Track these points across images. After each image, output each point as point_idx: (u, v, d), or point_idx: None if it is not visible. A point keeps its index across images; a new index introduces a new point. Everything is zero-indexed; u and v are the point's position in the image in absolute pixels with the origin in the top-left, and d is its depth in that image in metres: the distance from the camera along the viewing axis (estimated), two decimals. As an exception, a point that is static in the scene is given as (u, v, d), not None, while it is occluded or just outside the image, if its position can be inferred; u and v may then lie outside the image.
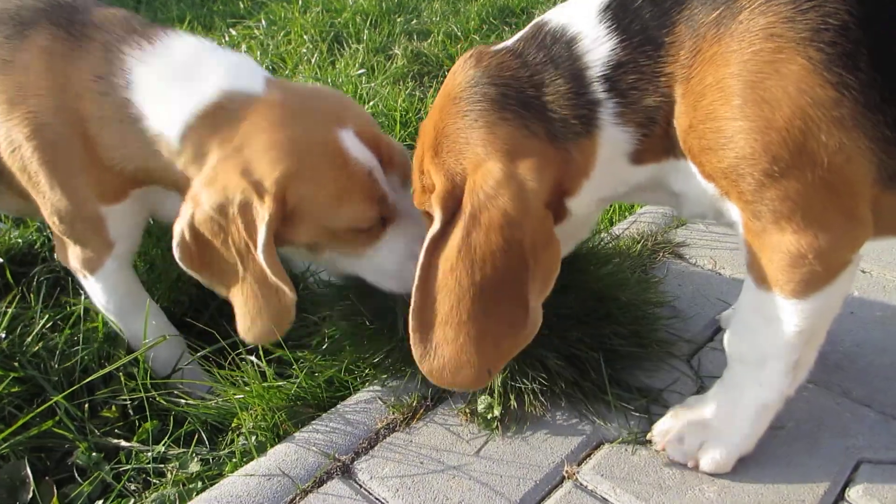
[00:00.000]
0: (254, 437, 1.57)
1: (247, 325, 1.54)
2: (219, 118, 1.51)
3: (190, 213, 1.47)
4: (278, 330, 1.54)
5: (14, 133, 1.56)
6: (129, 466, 1.59)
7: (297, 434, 1.56)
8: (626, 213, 2.39)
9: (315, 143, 1.50)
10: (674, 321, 1.86)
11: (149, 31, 1.60)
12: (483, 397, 1.59)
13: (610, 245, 2.07)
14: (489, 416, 1.56)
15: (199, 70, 1.56)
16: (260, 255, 1.46)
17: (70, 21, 1.59)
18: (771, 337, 1.34)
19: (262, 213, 1.43)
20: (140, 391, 1.69)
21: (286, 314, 1.52)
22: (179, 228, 1.49)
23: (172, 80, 1.55)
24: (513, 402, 1.58)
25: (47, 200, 1.62)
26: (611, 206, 2.44)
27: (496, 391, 1.58)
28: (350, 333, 1.70)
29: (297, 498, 1.43)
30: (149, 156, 1.57)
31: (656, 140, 1.28)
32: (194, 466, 1.55)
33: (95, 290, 1.77)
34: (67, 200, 1.62)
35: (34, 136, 1.56)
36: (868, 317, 1.87)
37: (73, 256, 1.73)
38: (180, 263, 1.52)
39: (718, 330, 1.85)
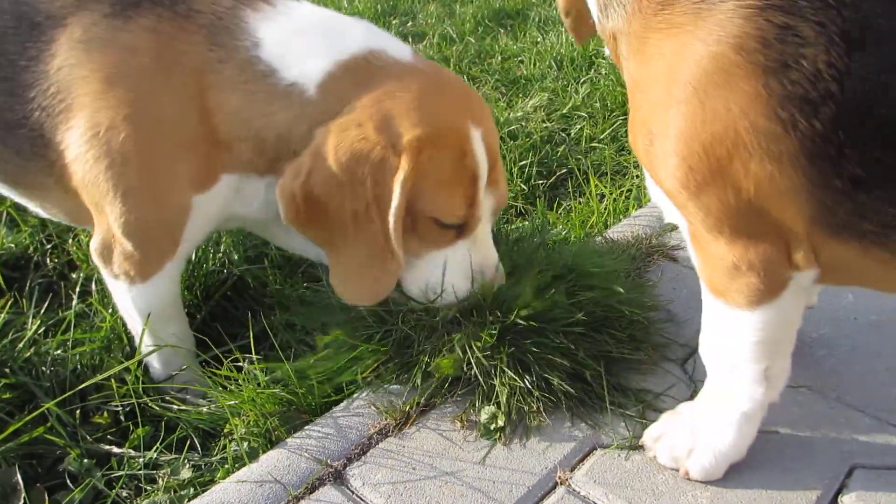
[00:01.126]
0: (246, 443, 1.57)
1: (342, 280, 1.53)
2: (363, 73, 1.50)
3: (307, 168, 1.43)
4: (378, 294, 1.54)
5: (103, 115, 1.46)
6: (120, 473, 1.59)
7: (289, 440, 1.55)
8: (621, 217, 2.39)
9: (451, 123, 1.50)
10: (668, 325, 1.85)
11: None
12: (487, 408, 1.58)
13: (605, 248, 2.07)
14: (492, 427, 1.55)
15: (341, 27, 1.57)
16: (392, 215, 1.43)
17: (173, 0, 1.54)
18: (731, 346, 1.34)
19: (399, 173, 1.41)
20: (132, 397, 1.68)
21: (390, 279, 1.52)
22: (290, 185, 1.45)
23: (310, 34, 1.53)
24: (514, 415, 1.57)
25: (127, 192, 1.50)
26: (605, 209, 2.44)
27: (501, 404, 1.57)
28: (344, 338, 1.70)
29: (289, 504, 1.42)
30: (273, 115, 1.50)
31: None
32: (186, 473, 1.55)
33: (141, 295, 1.67)
34: (157, 189, 1.53)
35: (131, 118, 1.47)
36: (864, 322, 1.87)
37: (125, 259, 1.61)
38: (283, 217, 1.49)
39: (713, 334, 1.84)
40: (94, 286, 2.08)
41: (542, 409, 1.58)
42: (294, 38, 1.52)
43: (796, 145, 1.08)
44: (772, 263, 1.20)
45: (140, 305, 1.69)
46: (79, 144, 1.48)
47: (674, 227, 2.28)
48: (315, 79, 1.49)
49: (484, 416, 1.56)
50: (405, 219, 1.50)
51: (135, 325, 1.75)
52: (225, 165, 1.57)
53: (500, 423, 1.55)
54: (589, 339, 1.64)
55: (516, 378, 1.56)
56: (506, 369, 1.57)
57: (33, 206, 1.76)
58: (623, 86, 3.29)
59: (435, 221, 1.55)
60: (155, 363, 1.79)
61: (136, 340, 1.75)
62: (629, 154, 2.88)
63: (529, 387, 1.57)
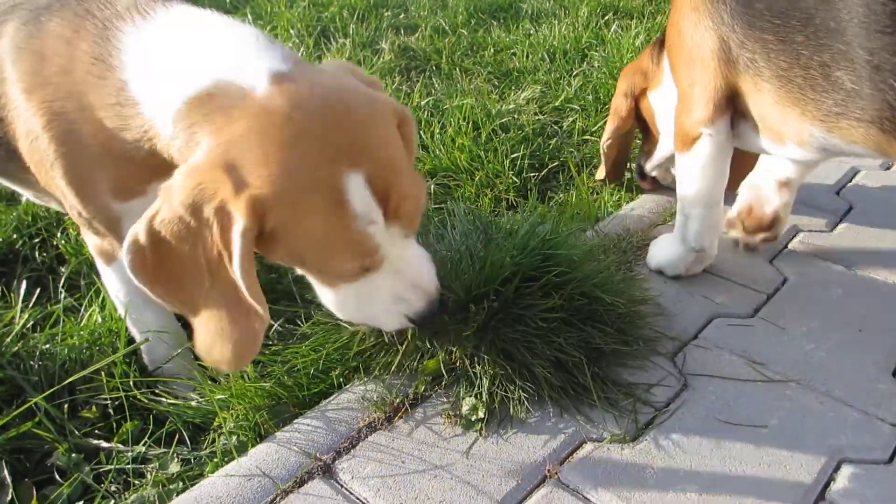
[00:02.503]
0: (234, 437, 1.56)
1: (206, 345, 1.33)
2: (212, 110, 1.28)
3: (154, 211, 1.27)
4: (243, 357, 1.34)
5: (31, 124, 1.45)
6: (109, 467, 1.58)
7: (278, 433, 1.55)
8: (612, 210, 2.38)
9: (316, 181, 1.25)
10: (658, 318, 1.85)
11: (147, 3, 1.43)
12: (468, 399, 1.58)
13: (595, 242, 2.07)
14: (473, 419, 1.56)
15: (195, 52, 1.35)
16: (236, 269, 1.25)
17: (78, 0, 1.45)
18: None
19: (237, 224, 1.23)
20: (120, 391, 1.67)
21: (254, 340, 1.32)
22: (135, 229, 1.26)
23: (164, 61, 1.36)
24: (496, 406, 1.57)
25: (65, 192, 1.51)
26: (597, 202, 2.43)
27: (483, 394, 1.57)
28: (333, 332, 1.70)
29: (278, 498, 1.42)
30: (147, 149, 1.39)
31: None
32: (174, 467, 1.54)
33: (111, 278, 1.71)
34: (82, 196, 1.49)
35: (49, 126, 1.43)
36: (853, 315, 1.87)
37: (91, 244, 1.67)
38: (130, 272, 1.28)
39: (703, 327, 1.85)
40: (82, 280, 2.07)
41: (524, 399, 1.58)
42: (150, 67, 1.36)
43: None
44: (690, 121, 1.82)
45: (112, 287, 1.73)
46: (25, 151, 1.50)
47: (665, 220, 2.28)
48: (168, 117, 1.32)
49: (465, 408, 1.57)
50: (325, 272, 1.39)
51: (119, 309, 1.77)
52: (149, 177, 1.45)
53: (481, 413, 1.55)
54: (575, 330, 1.64)
55: (498, 366, 1.56)
56: (485, 355, 1.57)
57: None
58: (615, 79, 3.29)
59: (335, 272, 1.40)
60: (143, 352, 1.79)
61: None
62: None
63: (511, 374, 1.57)
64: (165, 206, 1.25)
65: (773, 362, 1.73)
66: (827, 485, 1.44)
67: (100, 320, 1.89)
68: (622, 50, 3.49)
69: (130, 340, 1.78)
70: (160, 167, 1.39)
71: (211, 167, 1.24)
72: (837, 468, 1.48)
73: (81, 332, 1.85)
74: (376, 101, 1.34)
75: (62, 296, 2.00)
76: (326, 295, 1.45)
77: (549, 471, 1.46)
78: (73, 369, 1.75)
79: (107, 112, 1.40)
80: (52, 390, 1.67)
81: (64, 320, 1.89)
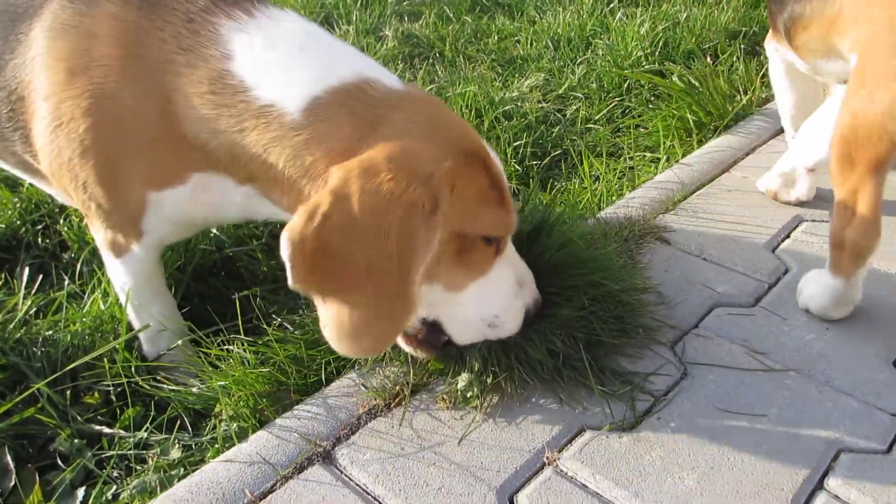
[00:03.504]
0: (235, 424, 1.57)
1: (346, 337, 1.34)
2: (358, 103, 1.37)
3: (324, 212, 1.25)
4: (380, 348, 1.43)
5: (66, 107, 1.43)
6: (111, 453, 1.59)
7: (278, 420, 1.56)
8: (615, 198, 2.38)
9: (465, 142, 1.40)
10: (659, 307, 1.85)
11: (240, 2, 1.47)
12: (463, 375, 1.59)
13: (597, 230, 2.06)
14: (469, 395, 1.57)
15: (328, 48, 1.45)
16: (420, 266, 1.29)
17: None
18: None
19: (438, 214, 1.28)
20: (122, 377, 1.68)
21: (396, 332, 1.38)
22: (302, 230, 1.25)
23: (293, 53, 1.42)
24: (489, 381, 1.58)
25: (87, 182, 1.49)
26: (599, 191, 2.43)
27: (476, 367, 1.58)
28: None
29: (278, 484, 1.43)
30: (245, 133, 1.39)
31: None
32: (175, 453, 1.55)
33: (118, 271, 1.69)
34: (112, 184, 1.49)
35: (94, 110, 1.42)
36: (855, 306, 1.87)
37: (100, 236, 1.64)
38: (287, 262, 1.27)
39: (704, 316, 1.85)
40: (84, 267, 2.08)
41: (524, 376, 1.59)
42: (274, 57, 1.41)
43: None
44: None
45: (117, 280, 1.72)
46: (44, 135, 1.48)
47: (667, 209, 2.28)
48: (298, 103, 1.36)
49: (461, 384, 1.58)
50: (449, 253, 1.42)
51: (121, 299, 1.77)
52: (195, 165, 1.48)
53: (476, 390, 1.56)
54: (576, 323, 1.65)
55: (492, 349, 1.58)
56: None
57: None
58: (619, 67, 3.28)
59: (483, 240, 1.45)
60: (143, 342, 1.80)
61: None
62: (624, 135, 2.87)
63: (507, 356, 1.58)
64: (339, 207, 1.26)
65: (773, 352, 1.73)
66: (825, 474, 1.45)
67: (102, 307, 1.89)
68: (627, 38, 3.47)
69: (132, 327, 1.79)
70: (220, 159, 1.44)
71: (394, 161, 1.28)
72: (836, 457, 1.48)
73: (84, 319, 1.86)
74: None
75: (66, 283, 2.00)
76: (464, 301, 1.48)
77: (547, 458, 1.47)
78: (76, 356, 1.76)
79: (192, 100, 1.41)
80: (54, 376, 1.69)
81: (66, 307, 1.90)
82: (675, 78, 3.00)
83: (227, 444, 1.55)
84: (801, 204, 2.33)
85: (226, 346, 1.70)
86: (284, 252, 1.27)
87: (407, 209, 1.26)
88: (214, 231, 2.15)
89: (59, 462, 1.60)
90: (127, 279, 1.70)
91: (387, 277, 1.29)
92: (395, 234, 1.26)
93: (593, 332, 1.65)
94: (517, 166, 2.58)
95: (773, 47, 2.30)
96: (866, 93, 1.60)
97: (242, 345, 1.68)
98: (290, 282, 1.28)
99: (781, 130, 2.77)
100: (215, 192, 1.51)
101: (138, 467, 1.57)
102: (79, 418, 1.67)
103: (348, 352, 1.38)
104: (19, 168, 1.73)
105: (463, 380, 1.58)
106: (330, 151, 1.34)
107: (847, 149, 1.64)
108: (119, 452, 1.59)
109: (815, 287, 1.84)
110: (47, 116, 1.46)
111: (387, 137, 1.33)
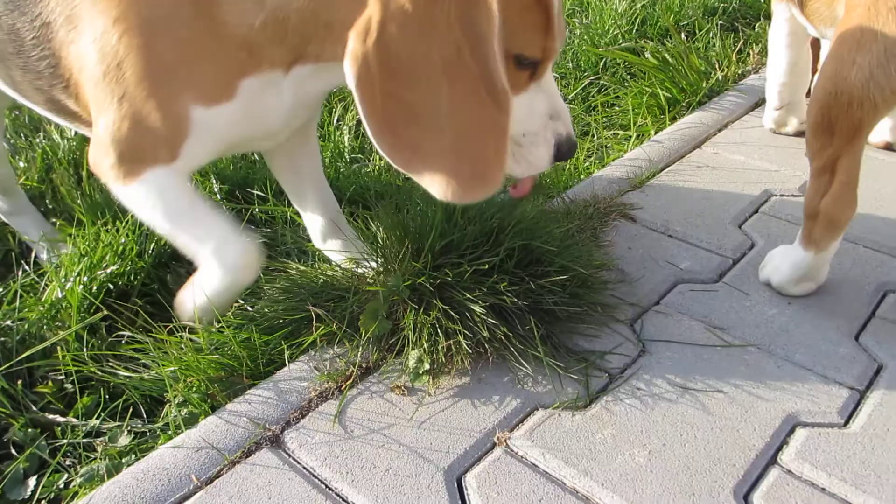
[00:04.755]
0: (185, 410, 1.56)
1: (449, 169, 1.27)
2: None
3: (377, 21, 1.19)
4: (497, 168, 1.29)
5: (100, 20, 1.33)
6: (64, 441, 1.58)
7: (229, 405, 1.54)
8: (583, 177, 2.35)
9: None
10: (620, 285, 1.83)
11: None
12: (413, 352, 1.57)
13: (560, 209, 2.04)
14: (420, 371, 1.55)
15: None
16: (495, 46, 1.21)
17: None
18: None
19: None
20: (71, 365, 1.66)
21: (503, 140, 1.28)
22: (361, 49, 1.19)
23: None
24: (441, 356, 1.57)
25: (122, 101, 1.37)
26: (566, 170, 2.40)
27: (423, 341, 1.57)
28: (287, 303, 1.68)
29: (225, 469, 1.41)
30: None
31: None
32: (124, 440, 1.54)
33: (135, 196, 1.49)
34: (157, 97, 1.36)
35: (127, 20, 1.32)
36: (817, 278, 1.85)
37: (110, 163, 1.45)
38: (355, 90, 1.21)
39: (665, 293, 1.83)
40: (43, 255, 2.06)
41: (471, 357, 1.57)
42: None
43: None
44: None
45: (142, 207, 1.51)
46: (79, 57, 1.39)
47: (634, 187, 2.25)
48: None
49: (411, 361, 1.56)
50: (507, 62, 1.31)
51: (159, 228, 1.55)
52: (242, 69, 1.38)
53: (427, 365, 1.55)
54: (515, 279, 1.63)
55: (437, 309, 1.56)
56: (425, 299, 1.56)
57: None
58: (595, 46, 3.24)
59: (516, 60, 1.35)
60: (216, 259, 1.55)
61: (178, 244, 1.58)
62: (597, 114, 2.84)
63: (453, 318, 1.56)
64: (389, 10, 1.20)
65: (734, 327, 1.71)
66: (780, 449, 1.43)
67: (60, 294, 1.88)
68: (605, 17, 3.44)
69: (89, 313, 1.77)
70: (264, 45, 1.35)
71: None
72: (791, 432, 1.46)
73: (41, 308, 1.84)
74: None
75: (19, 271, 1.99)
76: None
77: (498, 438, 1.45)
78: (33, 344, 1.75)
79: None
80: (8, 365, 1.67)
81: (23, 296, 1.88)
82: (647, 55, 2.97)
83: (178, 431, 1.53)
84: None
85: (179, 333, 1.69)
86: (351, 81, 1.22)
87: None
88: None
89: (14, 451, 1.59)
90: (152, 202, 1.49)
91: (465, 73, 1.22)
92: (456, 21, 1.20)
93: (545, 307, 1.63)
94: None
95: (784, 7, 2.27)
96: (847, 56, 1.54)
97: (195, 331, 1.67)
98: (370, 134, 1.24)
99: (755, 106, 2.75)
100: (265, 98, 1.43)
101: (92, 455, 1.56)
102: (33, 407, 1.66)
103: (462, 186, 1.29)
104: (47, 107, 1.63)
105: (413, 357, 1.56)
106: None
107: (826, 116, 1.59)
108: (72, 441, 1.58)
109: (781, 260, 1.81)
110: (83, 35, 1.37)
111: None
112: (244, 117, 1.44)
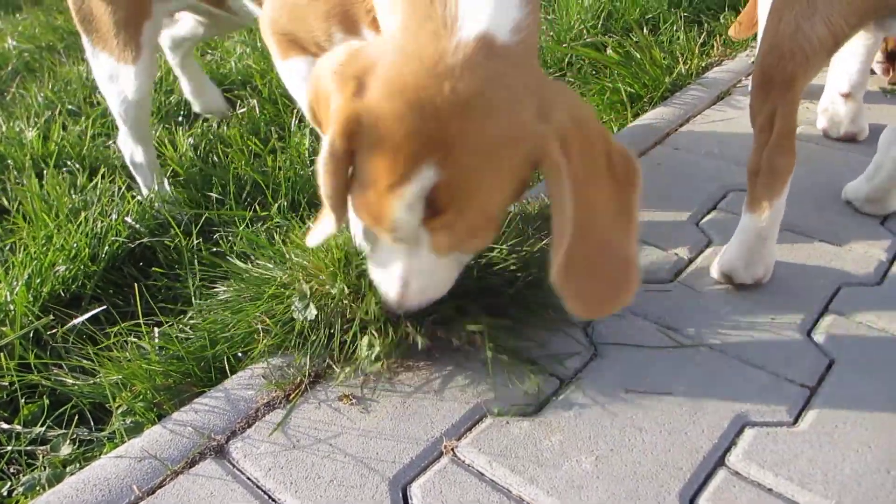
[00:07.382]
0: (129, 419, 1.53)
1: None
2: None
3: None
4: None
5: None
6: (7, 449, 1.55)
7: (174, 414, 1.52)
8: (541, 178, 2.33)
9: (398, 140, 1.19)
10: (575, 286, 1.82)
11: None
12: (364, 339, 1.56)
13: (516, 204, 2.02)
14: (373, 356, 1.55)
15: None
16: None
17: None
18: None
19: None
20: (13, 374, 1.64)
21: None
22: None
23: None
24: (392, 337, 1.56)
25: None
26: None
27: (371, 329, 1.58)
28: (237, 309, 1.66)
29: (167, 479, 1.39)
30: None
31: None
32: (66, 449, 1.52)
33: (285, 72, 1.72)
34: None
35: None
36: (772, 276, 1.84)
37: (271, 41, 1.68)
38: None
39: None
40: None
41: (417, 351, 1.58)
42: None
43: None
44: None
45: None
46: None
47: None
48: None
49: (363, 350, 1.55)
50: None
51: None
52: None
53: (378, 348, 1.54)
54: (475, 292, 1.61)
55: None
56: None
57: None
58: (561, 41, 3.23)
59: None
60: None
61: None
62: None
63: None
64: None
65: (687, 327, 1.71)
66: (728, 450, 1.43)
67: (9, 297, 1.85)
68: (571, 11, 3.42)
69: (37, 318, 1.75)
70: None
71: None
72: (740, 432, 1.45)
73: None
74: (518, 125, 1.15)
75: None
76: None
77: (445, 446, 1.44)
78: (-23, 350, 1.72)
79: None
80: (-50, 374, 1.64)
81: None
82: (608, 51, 2.95)
83: (124, 440, 1.51)
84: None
85: (124, 339, 1.66)
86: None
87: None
88: (128, 219, 2.10)
89: (-43, 462, 1.56)
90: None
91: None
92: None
93: (498, 312, 1.62)
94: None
95: None
96: (778, 14, 1.63)
97: (141, 337, 1.64)
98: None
99: (718, 99, 2.74)
100: None
101: (35, 463, 1.53)
102: (-24, 416, 1.64)
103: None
104: None
105: (363, 344, 1.54)
106: None
107: (766, 73, 1.66)
108: (15, 448, 1.55)
109: (729, 246, 1.81)
110: None
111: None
112: None
